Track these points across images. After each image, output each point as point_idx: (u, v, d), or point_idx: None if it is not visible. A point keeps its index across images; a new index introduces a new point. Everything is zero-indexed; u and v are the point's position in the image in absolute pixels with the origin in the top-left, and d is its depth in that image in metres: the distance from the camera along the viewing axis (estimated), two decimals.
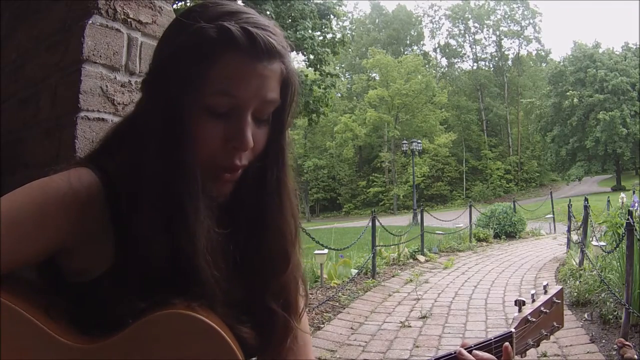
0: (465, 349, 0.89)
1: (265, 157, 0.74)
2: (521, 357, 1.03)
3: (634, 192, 13.23)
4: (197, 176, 0.67)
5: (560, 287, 1.16)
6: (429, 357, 0.86)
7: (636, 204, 5.24)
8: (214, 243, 0.69)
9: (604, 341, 3.88)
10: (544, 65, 54.32)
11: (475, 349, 0.90)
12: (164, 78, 0.69)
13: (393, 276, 7.02)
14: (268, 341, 0.76)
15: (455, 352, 0.88)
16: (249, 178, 0.75)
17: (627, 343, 3.32)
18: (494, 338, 0.95)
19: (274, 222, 0.75)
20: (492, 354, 0.92)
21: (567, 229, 9.10)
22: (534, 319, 1.04)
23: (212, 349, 0.63)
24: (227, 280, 0.70)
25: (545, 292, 1.12)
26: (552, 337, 1.11)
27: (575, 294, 5.09)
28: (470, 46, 56.48)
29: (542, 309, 1.07)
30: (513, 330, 0.98)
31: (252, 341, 0.69)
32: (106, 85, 1.20)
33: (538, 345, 1.07)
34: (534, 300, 1.09)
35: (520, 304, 1.05)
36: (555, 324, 1.10)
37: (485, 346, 0.92)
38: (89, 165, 0.71)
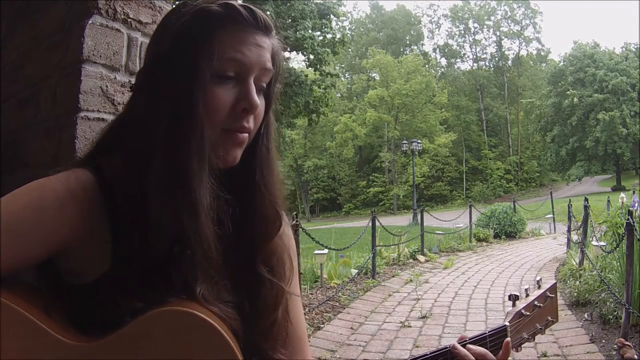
0: (460, 343, 0.90)
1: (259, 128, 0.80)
2: (517, 350, 1.05)
3: (634, 192, 13.22)
4: (205, 150, 0.70)
5: (554, 281, 1.17)
6: (424, 353, 0.86)
7: (636, 204, 5.23)
8: (212, 209, 0.72)
9: (604, 341, 3.87)
10: (544, 65, 54.21)
11: (470, 343, 0.91)
12: (169, 61, 0.72)
13: (393, 276, 7.02)
14: (260, 308, 0.78)
15: (449, 346, 0.89)
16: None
17: (627, 343, 3.32)
18: (489, 332, 0.95)
19: (265, 185, 0.81)
20: (487, 347, 0.92)
21: (567, 229, 9.10)
22: (528, 313, 1.06)
23: (207, 342, 0.64)
24: (221, 245, 0.72)
25: (539, 287, 1.13)
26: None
27: (575, 294, 5.09)
28: (470, 46, 56.48)
29: (535, 302, 1.09)
30: (507, 323, 1.00)
31: (234, 323, 0.70)
32: (106, 85, 1.20)
33: (533, 339, 1.09)
34: (527, 295, 1.10)
35: (514, 298, 1.07)
36: (549, 318, 1.12)
37: (480, 340, 0.93)
38: (86, 166, 0.72)
